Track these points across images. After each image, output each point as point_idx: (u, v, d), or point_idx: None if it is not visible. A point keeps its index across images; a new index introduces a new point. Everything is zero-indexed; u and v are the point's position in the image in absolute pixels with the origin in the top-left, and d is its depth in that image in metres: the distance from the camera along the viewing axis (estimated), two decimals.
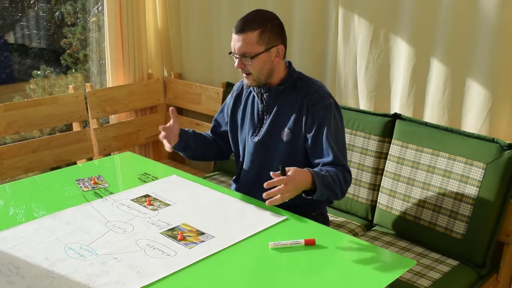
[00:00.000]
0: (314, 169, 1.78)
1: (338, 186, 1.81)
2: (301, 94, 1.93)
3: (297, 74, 1.98)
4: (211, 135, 2.19)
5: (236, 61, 1.88)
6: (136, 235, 1.63)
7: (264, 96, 1.97)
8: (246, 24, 1.83)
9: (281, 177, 1.64)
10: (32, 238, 1.61)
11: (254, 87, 1.97)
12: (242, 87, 2.11)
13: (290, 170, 1.67)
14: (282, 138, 1.95)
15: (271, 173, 1.67)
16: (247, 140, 2.04)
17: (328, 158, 1.86)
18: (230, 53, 1.91)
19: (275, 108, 1.96)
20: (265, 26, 1.84)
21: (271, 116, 1.97)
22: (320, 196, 1.75)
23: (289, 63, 1.98)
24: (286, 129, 1.94)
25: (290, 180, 1.65)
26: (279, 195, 1.63)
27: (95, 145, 3.18)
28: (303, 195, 1.76)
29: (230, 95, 2.14)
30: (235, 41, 1.85)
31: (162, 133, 1.95)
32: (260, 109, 2.00)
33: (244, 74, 1.92)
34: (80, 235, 1.63)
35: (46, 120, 2.96)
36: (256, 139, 2.00)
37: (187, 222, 1.72)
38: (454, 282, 1.98)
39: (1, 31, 5.01)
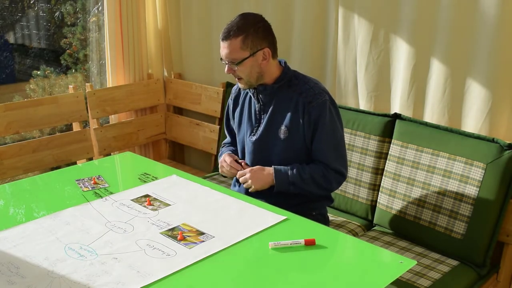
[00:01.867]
0: (282, 167, 1.93)
1: (310, 184, 1.93)
2: (297, 92, 1.95)
3: (292, 72, 2.00)
4: (233, 144, 2.24)
5: (226, 67, 1.92)
6: (136, 235, 1.63)
7: (260, 95, 1.98)
8: (230, 30, 1.87)
9: (246, 168, 1.97)
10: (32, 238, 1.61)
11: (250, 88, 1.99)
12: (239, 89, 2.12)
13: (256, 167, 1.96)
14: (279, 136, 1.96)
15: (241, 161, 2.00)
16: (246, 140, 2.05)
17: (319, 158, 1.96)
18: (221, 59, 1.94)
19: (271, 107, 1.98)
20: (247, 31, 1.86)
21: (267, 115, 1.98)
22: (285, 190, 1.94)
23: (284, 62, 2.00)
24: (283, 127, 1.95)
25: (252, 171, 1.94)
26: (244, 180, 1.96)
27: (95, 145, 3.18)
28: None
29: (229, 99, 2.18)
30: (222, 48, 1.90)
31: (228, 168, 2.04)
32: (257, 109, 2.02)
33: (236, 79, 1.95)
34: (80, 235, 1.63)
35: (46, 120, 2.96)
36: (254, 138, 2.01)
37: (187, 222, 1.72)
38: (454, 282, 1.98)
39: (1, 31, 5.02)
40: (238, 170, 2.00)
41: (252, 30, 1.87)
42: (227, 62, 1.91)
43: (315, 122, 1.92)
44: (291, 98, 1.95)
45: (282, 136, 1.96)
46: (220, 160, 2.10)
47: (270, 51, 1.91)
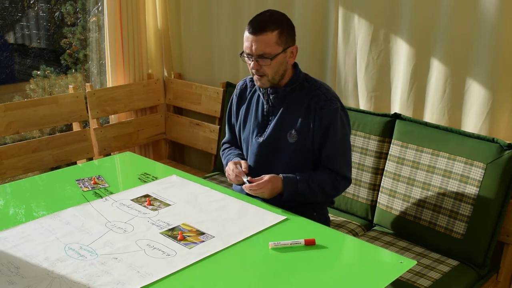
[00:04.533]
0: (292, 175, 1.89)
1: (318, 193, 1.92)
2: (308, 96, 1.92)
3: (303, 75, 1.97)
4: (236, 145, 2.20)
5: (252, 62, 1.85)
6: (136, 235, 1.63)
7: (271, 97, 1.96)
8: (265, 24, 1.81)
9: (259, 182, 1.86)
10: (32, 238, 1.61)
11: (261, 88, 1.96)
12: (246, 85, 2.10)
13: (266, 176, 1.87)
14: (288, 140, 1.94)
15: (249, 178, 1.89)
16: (251, 140, 2.03)
17: (329, 165, 1.93)
18: (241, 54, 1.88)
19: (281, 110, 1.95)
20: (283, 26, 1.83)
21: (276, 118, 1.96)
22: (292, 198, 1.90)
23: (295, 64, 1.98)
24: (292, 131, 1.93)
25: (265, 183, 1.86)
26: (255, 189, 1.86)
27: (95, 145, 3.18)
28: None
29: (234, 94, 2.13)
30: (252, 42, 1.82)
31: (233, 177, 1.96)
32: (265, 110, 1.99)
33: (256, 76, 1.88)
34: (80, 235, 1.63)
35: (46, 120, 2.96)
36: (261, 139, 1.98)
37: (187, 222, 1.72)
38: (454, 282, 1.98)
39: (1, 31, 5.02)
40: (245, 180, 1.93)
41: (287, 26, 1.85)
42: (252, 58, 1.84)
43: (325, 129, 1.89)
44: (302, 102, 1.92)
45: (291, 140, 1.93)
46: (226, 168, 2.01)
47: (297, 49, 1.90)
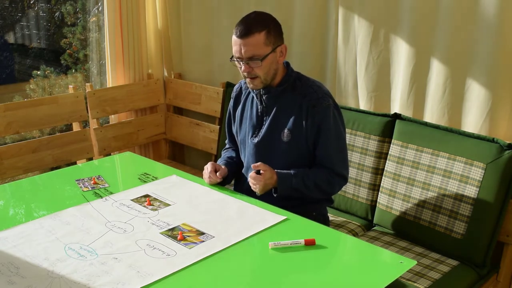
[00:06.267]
0: (285, 172, 1.90)
1: (313, 190, 1.92)
2: (301, 95, 1.93)
3: (295, 74, 1.98)
4: (234, 147, 2.21)
5: (243, 65, 1.85)
6: (136, 235, 1.63)
7: (264, 97, 1.96)
8: (251, 26, 1.81)
9: (256, 175, 1.87)
10: (32, 238, 1.61)
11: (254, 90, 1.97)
12: (241, 88, 2.11)
13: (265, 171, 1.86)
14: (282, 139, 1.95)
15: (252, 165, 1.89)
16: (247, 141, 2.04)
17: (324, 163, 1.94)
18: (232, 58, 1.88)
19: (274, 109, 1.96)
20: (269, 26, 1.83)
21: (270, 117, 1.97)
22: (286, 193, 1.91)
23: (287, 63, 1.98)
24: (285, 130, 1.94)
25: (259, 177, 1.87)
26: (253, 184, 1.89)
27: (95, 145, 3.18)
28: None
29: (231, 98, 2.15)
30: (240, 46, 1.82)
31: (208, 175, 2.00)
32: (259, 110, 2.00)
33: (249, 79, 1.89)
34: (80, 235, 1.63)
35: (46, 120, 2.96)
36: (256, 140, 1.99)
37: (187, 222, 1.72)
38: (454, 282, 1.98)
39: (1, 31, 5.02)
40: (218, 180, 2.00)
41: (273, 25, 1.85)
42: (243, 61, 1.84)
43: (318, 126, 1.90)
44: (294, 101, 1.93)
45: (285, 139, 1.94)
46: (205, 166, 2.04)
47: (286, 47, 1.90)
